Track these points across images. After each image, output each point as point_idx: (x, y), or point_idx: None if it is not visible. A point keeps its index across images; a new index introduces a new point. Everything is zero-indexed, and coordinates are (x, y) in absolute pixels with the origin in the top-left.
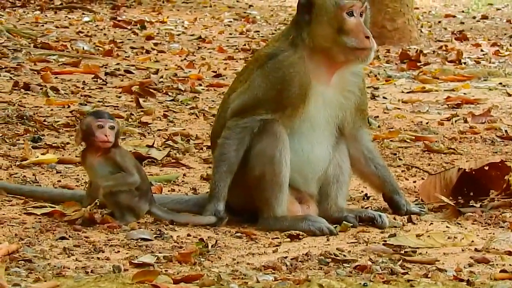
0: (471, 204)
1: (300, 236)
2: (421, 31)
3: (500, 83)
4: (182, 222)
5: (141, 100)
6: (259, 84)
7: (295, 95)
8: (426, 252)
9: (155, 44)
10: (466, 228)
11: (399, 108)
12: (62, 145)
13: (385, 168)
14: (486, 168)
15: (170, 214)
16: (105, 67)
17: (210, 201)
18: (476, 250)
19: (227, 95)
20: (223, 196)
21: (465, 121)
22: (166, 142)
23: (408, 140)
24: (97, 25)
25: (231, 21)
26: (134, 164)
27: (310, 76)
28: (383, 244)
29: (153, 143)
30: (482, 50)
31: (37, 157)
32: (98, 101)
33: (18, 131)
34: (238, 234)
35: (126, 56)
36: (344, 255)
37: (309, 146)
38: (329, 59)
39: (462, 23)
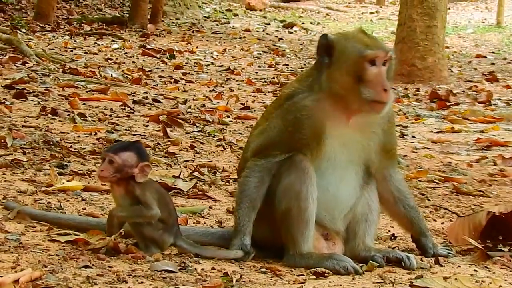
0: (499, 248)
1: (326, 274)
2: (451, 71)
3: None
4: (208, 256)
5: (168, 129)
6: (275, 125)
7: (307, 137)
8: None
9: (184, 74)
10: (494, 272)
11: (428, 148)
12: (88, 172)
13: (414, 209)
14: None
15: (196, 248)
16: (133, 95)
17: (236, 235)
18: None
19: (252, 131)
20: (249, 230)
21: (495, 164)
22: (193, 174)
23: (437, 181)
24: (126, 53)
25: (260, 54)
26: (156, 198)
27: (324, 119)
28: (410, 286)
29: (180, 174)
30: None
31: (63, 183)
32: (125, 129)
33: (44, 156)
34: (263, 270)
35: (154, 85)
36: None
37: (333, 183)
38: (344, 105)
39: (493, 64)
